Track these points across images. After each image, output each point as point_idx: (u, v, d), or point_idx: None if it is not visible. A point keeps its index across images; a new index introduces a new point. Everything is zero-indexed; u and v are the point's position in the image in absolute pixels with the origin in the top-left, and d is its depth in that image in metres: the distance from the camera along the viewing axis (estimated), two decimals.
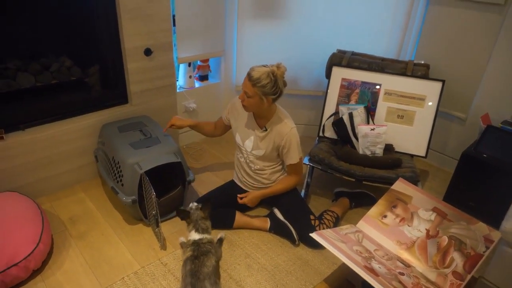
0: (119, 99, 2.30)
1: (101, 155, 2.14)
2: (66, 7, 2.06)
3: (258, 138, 1.86)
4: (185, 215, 1.68)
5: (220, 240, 1.85)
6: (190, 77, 2.69)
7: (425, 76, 2.23)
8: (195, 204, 1.73)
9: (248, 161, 1.94)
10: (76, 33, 2.16)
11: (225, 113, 2.01)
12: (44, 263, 1.70)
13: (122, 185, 1.88)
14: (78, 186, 2.26)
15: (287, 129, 1.79)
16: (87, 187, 2.25)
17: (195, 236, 1.63)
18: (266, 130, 1.84)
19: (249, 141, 1.89)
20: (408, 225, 1.32)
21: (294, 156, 1.83)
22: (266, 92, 1.67)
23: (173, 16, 2.35)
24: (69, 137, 2.12)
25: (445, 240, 1.24)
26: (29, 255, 1.58)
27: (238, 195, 1.92)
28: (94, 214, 2.05)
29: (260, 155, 1.88)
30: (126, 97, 2.32)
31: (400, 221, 1.33)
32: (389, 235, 1.31)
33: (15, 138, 1.93)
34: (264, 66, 1.68)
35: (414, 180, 1.94)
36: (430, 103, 2.18)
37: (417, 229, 1.29)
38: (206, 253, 1.57)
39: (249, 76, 1.66)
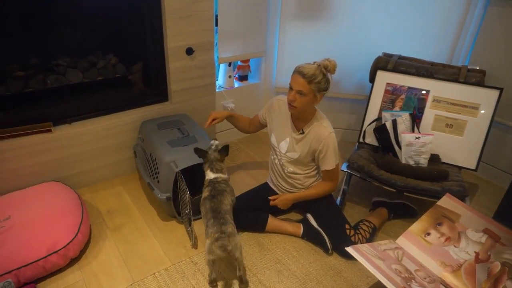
0: (159, 96, 2.34)
1: (140, 151, 2.18)
2: (113, 7, 2.12)
3: (294, 140, 1.81)
4: (202, 154, 1.79)
5: (226, 148, 1.84)
6: (230, 77, 2.69)
7: (480, 83, 2.09)
8: (216, 142, 1.81)
9: (281, 163, 1.90)
10: (123, 32, 2.22)
11: (263, 111, 1.99)
12: (82, 252, 1.76)
13: (158, 181, 1.90)
14: (116, 179, 2.32)
15: (326, 133, 1.74)
16: (125, 181, 2.31)
17: (210, 175, 1.76)
18: (303, 133, 1.78)
19: (284, 143, 1.84)
20: (455, 246, 1.21)
21: (330, 162, 1.77)
22: (320, 88, 1.66)
23: (216, 16, 2.35)
24: (111, 132, 2.18)
25: (497, 266, 1.12)
26: (68, 243, 1.64)
27: (270, 197, 1.87)
28: (130, 208, 2.09)
29: (294, 158, 1.84)
30: (166, 95, 2.35)
31: (446, 240, 1.22)
32: (432, 255, 1.21)
33: (62, 131, 2.01)
34: (310, 64, 1.66)
35: (462, 194, 1.81)
36: (483, 111, 2.03)
37: (465, 251, 1.18)
38: (222, 192, 1.69)
39: (301, 74, 1.62)
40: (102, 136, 2.15)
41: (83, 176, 2.19)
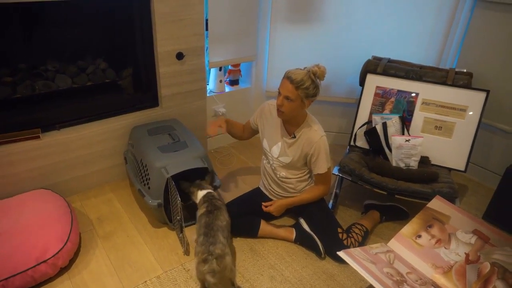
0: (150, 102, 2.32)
1: (130, 157, 2.16)
2: (103, 12, 2.11)
3: (286, 144, 1.81)
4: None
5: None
6: (221, 81, 2.69)
7: (467, 86, 2.12)
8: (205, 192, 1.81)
9: (273, 168, 1.90)
10: (112, 36, 2.21)
11: (254, 116, 1.99)
12: (71, 261, 1.73)
13: (149, 188, 1.88)
14: (107, 186, 2.30)
15: (317, 137, 1.74)
16: (115, 188, 2.29)
17: (202, 192, 1.78)
18: (294, 137, 1.79)
19: (276, 147, 1.85)
20: (445, 248, 1.22)
21: (322, 165, 1.77)
22: (308, 94, 1.66)
23: (206, 20, 2.35)
24: (101, 138, 2.16)
25: (487, 266, 1.13)
26: (57, 252, 1.61)
27: (263, 203, 1.87)
28: (120, 214, 2.07)
29: (286, 163, 1.84)
30: (157, 100, 2.34)
31: (436, 242, 1.24)
32: (423, 257, 1.22)
33: (51, 138, 1.99)
34: (300, 69, 1.66)
35: (451, 196, 1.82)
36: (471, 113, 2.06)
37: (455, 253, 1.20)
38: (219, 208, 1.69)
39: (290, 79, 1.63)
40: (92, 142, 2.13)
41: (72, 183, 2.17)
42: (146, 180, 1.91)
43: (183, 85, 2.35)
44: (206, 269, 1.47)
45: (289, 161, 1.83)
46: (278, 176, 1.90)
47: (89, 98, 2.18)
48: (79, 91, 2.16)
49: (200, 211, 1.70)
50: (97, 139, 2.14)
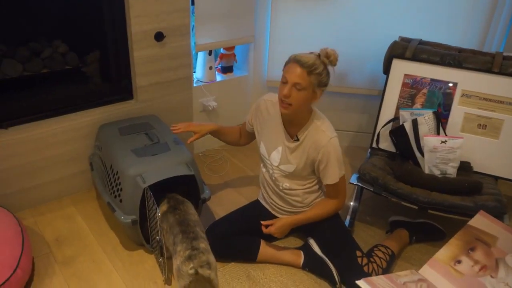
0: (122, 94, 2.32)
1: (97, 162, 2.16)
2: None
3: (287, 149, 1.81)
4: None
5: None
6: (211, 68, 2.69)
7: None
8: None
9: (273, 178, 1.90)
10: (73, 13, 2.21)
11: (249, 116, 1.99)
12: None
13: (121, 201, 1.88)
14: (68, 198, 2.29)
15: (325, 139, 1.74)
16: (78, 201, 2.28)
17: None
18: (298, 140, 1.79)
19: (276, 153, 1.85)
20: (492, 276, 1.22)
21: (333, 174, 1.77)
22: (321, 82, 1.68)
23: None
24: (60, 138, 2.15)
25: None
26: (3, 283, 1.60)
27: (262, 223, 1.86)
28: (85, 234, 2.06)
29: (289, 172, 1.84)
30: (130, 92, 2.34)
31: (480, 269, 1.23)
32: (464, 287, 1.21)
33: None
34: (307, 53, 1.68)
35: (499, 211, 1.82)
36: None
37: (504, 283, 1.19)
38: (183, 201, 1.76)
39: (300, 62, 1.64)
40: (49, 144, 2.12)
41: (24, 195, 2.16)
42: (118, 191, 1.90)
43: (164, 72, 2.35)
44: (195, 264, 1.48)
45: (292, 169, 1.83)
46: (280, 187, 1.90)
47: (44, 88, 2.18)
48: (32, 80, 2.17)
49: (162, 208, 1.77)
50: (55, 140, 2.13)
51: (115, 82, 2.31)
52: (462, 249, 1.28)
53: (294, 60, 1.65)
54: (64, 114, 2.18)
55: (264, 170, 1.96)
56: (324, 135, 1.75)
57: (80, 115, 2.20)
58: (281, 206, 1.95)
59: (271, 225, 1.85)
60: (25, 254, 1.73)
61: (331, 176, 1.78)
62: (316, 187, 1.90)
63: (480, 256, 1.25)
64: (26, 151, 2.07)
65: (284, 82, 1.68)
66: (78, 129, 2.19)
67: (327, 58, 1.66)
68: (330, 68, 1.70)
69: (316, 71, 1.64)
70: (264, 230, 1.85)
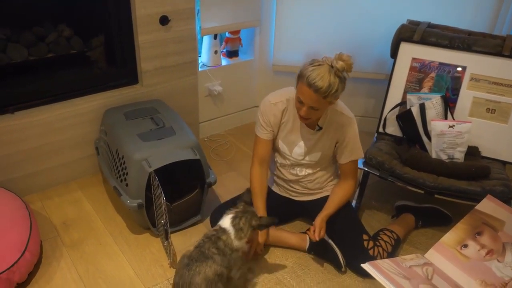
0: (127, 78, 2.31)
1: (103, 147, 2.16)
2: None
3: (310, 141, 1.81)
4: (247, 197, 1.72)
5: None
6: (216, 52, 2.67)
7: None
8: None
9: (294, 169, 1.91)
10: None
11: (264, 125, 1.82)
12: (31, 275, 1.74)
13: (127, 185, 1.88)
14: (74, 183, 2.30)
15: (346, 120, 1.77)
16: (85, 185, 2.29)
17: (224, 223, 1.60)
18: (320, 128, 1.79)
19: (298, 148, 1.84)
20: (498, 260, 1.21)
21: (358, 150, 1.82)
22: (337, 95, 1.63)
23: None
24: (66, 123, 2.15)
25: None
26: (12, 265, 1.62)
27: (309, 233, 1.79)
28: (92, 218, 2.08)
29: (315, 161, 1.85)
30: (135, 76, 2.33)
31: (487, 254, 1.23)
32: (470, 272, 1.21)
33: (3, 123, 1.99)
34: (319, 65, 1.57)
35: (507, 196, 1.81)
36: None
37: (511, 267, 1.18)
38: (203, 259, 1.50)
39: (314, 88, 1.55)
40: (55, 128, 2.13)
41: (31, 179, 2.17)
42: (123, 175, 1.91)
43: (169, 57, 2.33)
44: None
45: (318, 158, 1.84)
46: (301, 175, 1.91)
47: (50, 73, 2.18)
48: (38, 65, 2.16)
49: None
50: (61, 124, 2.14)
51: (120, 67, 2.30)
52: (468, 233, 1.27)
53: (308, 84, 1.55)
54: (70, 99, 2.18)
55: (280, 162, 1.93)
56: (344, 117, 1.77)
57: (86, 100, 2.20)
58: (297, 189, 1.96)
59: (314, 230, 1.78)
60: (33, 237, 1.75)
61: (357, 152, 1.82)
62: (332, 168, 1.93)
63: (487, 241, 1.24)
64: (32, 135, 2.08)
65: (299, 101, 1.64)
66: (84, 114, 2.19)
67: (341, 72, 1.56)
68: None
69: (332, 92, 1.56)
70: (315, 238, 1.76)
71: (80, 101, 2.18)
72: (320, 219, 1.79)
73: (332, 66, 1.55)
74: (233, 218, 1.59)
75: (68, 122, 2.16)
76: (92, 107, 2.20)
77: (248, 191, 1.78)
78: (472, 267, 1.22)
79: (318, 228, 1.77)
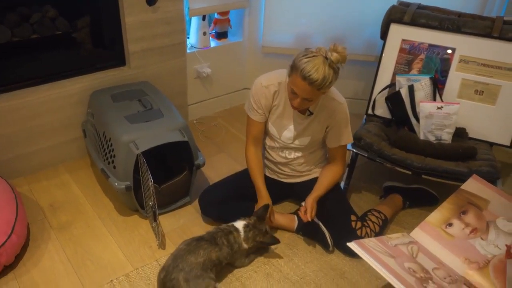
0: (114, 60, 2.28)
1: (90, 129, 2.14)
2: None
3: (300, 125, 1.81)
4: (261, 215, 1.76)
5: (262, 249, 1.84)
6: (205, 34, 2.64)
7: None
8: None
9: (283, 152, 1.91)
10: None
11: (256, 108, 1.82)
12: (18, 258, 1.73)
13: (114, 167, 1.87)
14: (61, 166, 2.29)
15: (337, 106, 1.77)
16: (72, 168, 2.28)
17: (239, 225, 1.71)
18: (311, 113, 1.78)
19: (288, 132, 1.83)
20: (482, 238, 1.23)
21: (348, 135, 1.83)
22: (331, 86, 1.62)
23: None
24: (52, 105, 2.13)
25: None
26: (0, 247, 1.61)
27: (301, 213, 1.81)
28: (79, 201, 2.07)
29: (304, 145, 1.85)
30: (123, 58, 2.30)
31: (471, 232, 1.24)
32: (454, 249, 1.23)
33: None
34: (313, 56, 1.54)
35: (492, 176, 1.83)
36: None
37: (494, 245, 1.20)
38: (213, 243, 1.62)
39: (309, 81, 1.53)
40: (40, 111, 2.10)
41: (17, 162, 2.15)
42: (111, 157, 1.89)
43: (157, 38, 2.31)
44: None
45: (307, 142, 1.84)
46: (289, 158, 1.91)
47: (35, 55, 2.14)
48: (22, 46, 2.11)
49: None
50: (47, 107, 2.11)
51: (107, 48, 2.28)
52: (454, 213, 1.28)
53: (302, 77, 1.53)
54: (55, 81, 2.15)
55: (268, 145, 1.93)
56: (335, 102, 1.76)
57: (72, 82, 2.17)
58: (286, 171, 1.96)
59: (306, 210, 1.80)
60: (20, 220, 1.73)
61: (346, 137, 1.82)
62: (321, 151, 1.93)
63: (472, 219, 1.25)
64: (18, 118, 2.05)
65: (293, 93, 1.62)
66: (70, 96, 2.16)
67: (336, 64, 1.54)
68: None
69: (326, 84, 1.55)
70: (307, 219, 1.78)
71: (66, 83, 2.15)
72: (312, 200, 1.80)
73: (326, 58, 1.53)
74: (246, 226, 1.72)
75: (54, 105, 2.13)
76: (79, 89, 2.17)
77: (265, 208, 1.76)
78: (457, 245, 1.23)
79: (309, 209, 1.78)
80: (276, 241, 1.74)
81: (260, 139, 1.90)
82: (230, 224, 1.74)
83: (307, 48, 1.58)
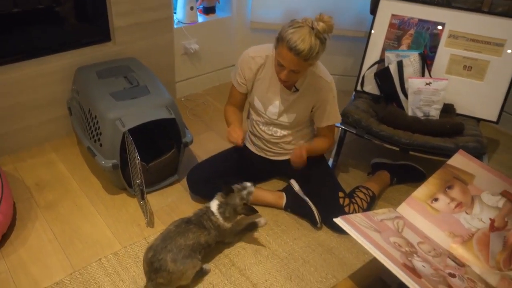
0: (99, 35, 2.25)
1: (76, 106, 2.11)
2: None
3: (286, 101, 1.78)
4: (226, 191, 1.68)
5: (251, 226, 1.84)
6: (192, 8, 2.59)
7: (507, 14, 2.06)
8: (250, 189, 1.69)
9: (269, 129, 1.88)
10: None
11: (239, 78, 1.83)
12: (5, 237, 1.73)
13: (101, 145, 1.86)
14: (48, 144, 2.27)
15: (324, 84, 1.75)
16: (59, 146, 2.26)
17: (213, 206, 1.65)
18: (297, 90, 1.75)
19: (273, 107, 1.81)
20: (467, 213, 1.24)
21: (335, 114, 1.82)
22: (319, 57, 1.60)
23: None
24: (36, 82, 2.09)
25: None
26: None
27: (293, 159, 1.75)
28: (66, 179, 2.06)
29: (289, 122, 1.83)
30: (108, 33, 2.26)
31: (456, 206, 1.25)
32: (439, 224, 1.24)
33: None
34: (299, 26, 1.51)
35: (479, 152, 1.86)
36: (510, 51, 2.03)
37: (478, 218, 1.21)
38: (201, 227, 1.60)
39: (295, 51, 1.50)
40: (23, 88, 2.06)
41: (1, 141, 2.12)
42: (97, 135, 1.87)
43: (143, 13, 2.27)
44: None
45: (292, 119, 1.82)
46: (276, 136, 1.89)
47: (16, 30, 2.07)
48: (3, 21, 2.04)
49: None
50: (31, 84, 2.08)
51: (92, 23, 2.23)
52: (439, 187, 1.29)
53: (288, 48, 1.50)
54: (38, 57, 2.11)
55: (255, 120, 1.91)
56: (322, 81, 1.74)
57: (56, 58, 2.13)
58: (274, 149, 1.95)
59: (296, 157, 1.74)
60: (5, 199, 1.72)
61: (334, 116, 1.81)
62: (308, 129, 1.91)
63: (457, 194, 1.26)
64: (1, 95, 2.01)
65: (279, 64, 1.59)
66: (54, 73, 2.13)
67: (322, 33, 1.52)
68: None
69: (313, 55, 1.53)
70: (296, 164, 1.75)
71: (50, 59, 2.12)
72: (301, 150, 1.73)
73: (313, 28, 1.50)
74: (219, 206, 1.65)
75: (38, 81, 2.09)
76: (63, 65, 2.14)
77: (228, 187, 1.69)
78: (442, 219, 1.24)
79: (296, 155, 1.72)
80: (254, 211, 1.68)
81: (239, 107, 1.94)
82: (207, 206, 1.67)
83: (293, 19, 1.55)
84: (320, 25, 1.49)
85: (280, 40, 1.54)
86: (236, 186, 1.69)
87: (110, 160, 1.83)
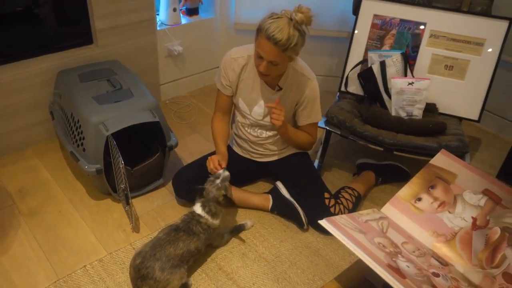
0: (80, 38, 2.23)
1: (58, 110, 2.09)
2: None
3: (270, 101, 1.78)
4: (199, 192, 1.68)
5: (238, 229, 1.85)
6: (175, 10, 2.58)
7: (486, 13, 2.10)
8: (225, 174, 1.68)
9: (255, 130, 1.88)
10: None
11: (223, 80, 1.82)
12: None
13: (84, 150, 1.84)
14: (30, 149, 2.24)
15: (307, 83, 1.76)
16: (41, 152, 2.23)
17: (197, 209, 1.65)
18: (281, 89, 1.76)
19: (258, 107, 1.81)
20: (449, 212, 1.26)
21: (317, 113, 1.83)
22: (297, 50, 1.60)
23: None
24: (17, 86, 2.06)
25: (496, 232, 1.18)
26: None
27: (269, 105, 1.72)
28: (50, 185, 2.03)
29: None
30: (90, 36, 2.24)
31: (439, 206, 1.27)
32: (423, 223, 1.26)
33: None
34: (278, 17, 1.53)
35: (461, 150, 1.89)
36: (490, 50, 2.06)
37: (461, 217, 1.23)
38: (191, 234, 1.59)
39: (273, 40, 1.51)
40: (4, 92, 2.04)
41: None
42: (80, 140, 1.86)
43: (125, 15, 2.25)
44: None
45: None
46: (262, 137, 1.90)
47: None
48: None
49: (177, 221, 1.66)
50: (11, 88, 2.05)
51: (73, 25, 2.21)
52: (423, 187, 1.30)
53: (267, 37, 1.52)
54: (18, 61, 2.08)
55: (240, 122, 1.90)
56: (304, 78, 1.75)
57: (36, 61, 2.11)
58: (260, 151, 1.95)
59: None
60: None
61: (316, 115, 1.82)
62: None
63: (440, 193, 1.28)
64: None
65: (258, 57, 1.60)
66: (35, 76, 2.10)
67: (300, 24, 1.53)
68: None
69: (291, 45, 1.53)
70: (273, 108, 1.69)
71: (31, 63, 2.09)
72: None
73: (291, 19, 1.53)
74: (203, 206, 1.65)
75: (18, 85, 2.06)
76: (44, 69, 2.11)
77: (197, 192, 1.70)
78: (425, 219, 1.26)
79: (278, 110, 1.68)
80: (231, 202, 1.73)
81: (227, 112, 1.91)
82: (192, 211, 1.67)
83: (273, 12, 1.58)
84: (298, 16, 1.52)
85: (259, 30, 1.56)
86: (209, 179, 1.69)
87: (93, 165, 1.81)
